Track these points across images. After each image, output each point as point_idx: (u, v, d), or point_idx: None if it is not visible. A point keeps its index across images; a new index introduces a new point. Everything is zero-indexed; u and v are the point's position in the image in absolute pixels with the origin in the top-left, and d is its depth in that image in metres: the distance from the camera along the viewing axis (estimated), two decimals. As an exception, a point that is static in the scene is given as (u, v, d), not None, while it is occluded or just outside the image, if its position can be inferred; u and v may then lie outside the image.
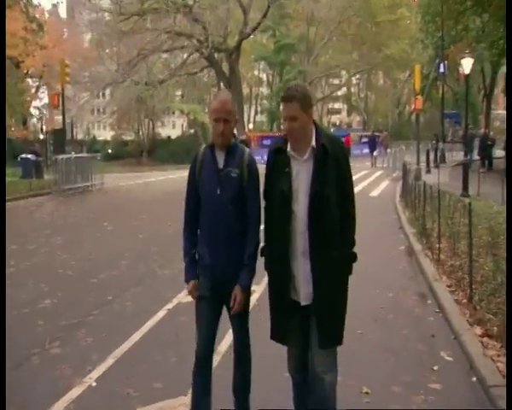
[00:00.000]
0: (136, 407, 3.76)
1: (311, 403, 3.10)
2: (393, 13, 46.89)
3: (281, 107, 3.16)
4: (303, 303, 2.98)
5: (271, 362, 3.92)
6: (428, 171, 23.28)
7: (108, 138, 63.62)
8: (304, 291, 2.97)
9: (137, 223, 12.03)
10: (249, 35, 39.76)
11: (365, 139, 45.56)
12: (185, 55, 44.45)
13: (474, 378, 4.19)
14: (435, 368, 4.42)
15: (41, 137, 52.48)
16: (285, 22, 48.31)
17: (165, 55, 44.08)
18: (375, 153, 32.52)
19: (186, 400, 3.65)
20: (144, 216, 13.17)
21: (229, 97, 3.33)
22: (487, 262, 6.79)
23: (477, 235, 7.96)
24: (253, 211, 3.20)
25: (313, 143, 2.96)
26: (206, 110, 54.40)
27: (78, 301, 6.34)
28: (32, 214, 14.37)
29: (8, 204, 16.01)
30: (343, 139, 34.66)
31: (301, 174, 2.96)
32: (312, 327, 2.99)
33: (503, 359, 4.26)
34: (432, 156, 27.14)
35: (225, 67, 41.54)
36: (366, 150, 42.87)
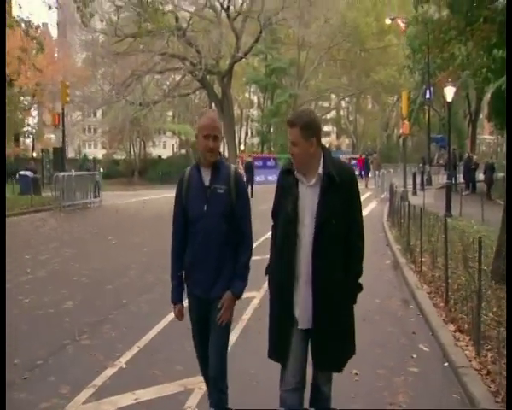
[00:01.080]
0: (163, 383, 4.47)
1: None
2: (381, 40, 48.36)
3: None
4: (301, 327, 2.99)
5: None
6: (415, 193, 24.18)
7: (99, 157, 64.14)
8: (304, 315, 2.98)
9: (140, 238, 12.70)
10: (241, 58, 40.73)
11: (354, 162, 46.72)
12: (178, 77, 45.52)
13: (446, 363, 4.96)
14: (414, 356, 5.19)
15: (34, 154, 53.05)
16: (276, 46, 49.48)
17: (157, 76, 44.90)
18: (370, 174, 33.68)
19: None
20: (146, 232, 13.86)
21: (216, 115, 3.51)
22: (463, 273, 7.58)
23: (457, 250, 8.80)
24: (243, 224, 3.28)
25: (320, 170, 2.96)
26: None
27: (96, 304, 7.04)
28: (38, 229, 15.00)
29: (12, 218, 16.72)
30: (354, 162, 35.69)
31: (307, 199, 2.96)
32: (313, 350, 3.03)
33: (471, 348, 5.03)
34: (418, 179, 28.07)
35: (217, 88, 42.49)
36: (355, 172, 43.92)
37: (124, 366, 4.86)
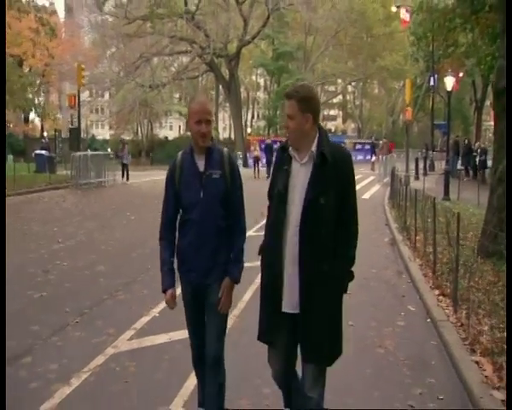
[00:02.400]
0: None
1: None
2: (388, 25, 48.78)
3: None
4: (286, 310, 2.89)
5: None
6: (417, 178, 24.94)
7: (107, 138, 64.88)
8: (290, 299, 2.88)
9: (155, 213, 13.56)
10: (249, 42, 41.25)
11: (359, 146, 47.46)
12: (185, 59, 46.18)
13: (429, 320, 5.86)
14: (402, 314, 6.11)
15: (45, 134, 53.91)
16: (283, 31, 49.92)
17: (165, 58, 45.47)
18: (373, 158, 34.39)
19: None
20: (160, 208, 14.72)
21: (206, 99, 3.52)
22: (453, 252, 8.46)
23: (450, 230, 9.67)
24: (238, 208, 3.26)
25: (313, 148, 2.90)
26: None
27: (125, 268, 7.98)
28: (59, 204, 15.94)
29: (33, 195, 17.74)
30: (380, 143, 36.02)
31: (298, 176, 2.90)
32: (300, 341, 2.94)
33: (451, 308, 5.92)
34: (422, 164, 28.80)
35: (224, 71, 43.12)
36: (360, 156, 44.75)
37: (157, 314, 5.78)
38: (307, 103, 2.89)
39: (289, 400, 3.14)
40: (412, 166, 26.53)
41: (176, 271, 3.30)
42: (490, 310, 5.58)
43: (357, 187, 22.68)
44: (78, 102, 24.01)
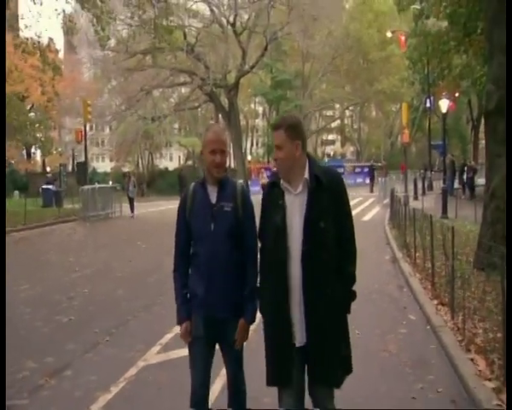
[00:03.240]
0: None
1: None
2: (384, 49, 49.92)
3: None
4: (298, 344, 2.89)
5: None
6: (416, 198, 25.51)
7: (108, 170, 65.60)
8: (301, 332, 2.88)
9: (166, 242, 14.14)
10: (248, 72, 42.22)
11: (359, 170, 48.19)
12: (185, 90, 47.17)
13: (428, 326, 6.37)
14: (404, 322, 6.62)
15: (48, 168, 54.73)
16: (281, 59, 51.06)
17: (165, 90, 46.39)
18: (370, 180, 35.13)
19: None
20: (170, 237, 15.29)
21: (221, 129, 3.51)
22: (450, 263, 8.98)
23: (447, 245, 10.18)
24: (251, 243, 3.19)
25: (306, 175, 2.90)
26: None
27: (143, 292, 8.52)
28: (71, 236, 16.54)
29: (44, 228, 18.35)
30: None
31: (295, 208, 2.88)
32: (309, 366, 2.94)
33: (449, 315, 6.42)
34: (420, 185, 29.41)
35: (223, 100, 44.03)
36: (359, 179, 45.46)
37: (179, 331, 6.27)
38: (295, 131, 2.91)
39: None
40: (411, 186, 27.11)
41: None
42: (484, 315, 6.09)
43: (358, 209, 23.33)
44: (85, 136, 24.78)
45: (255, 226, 3.22)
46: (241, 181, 3.45)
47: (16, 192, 33.25)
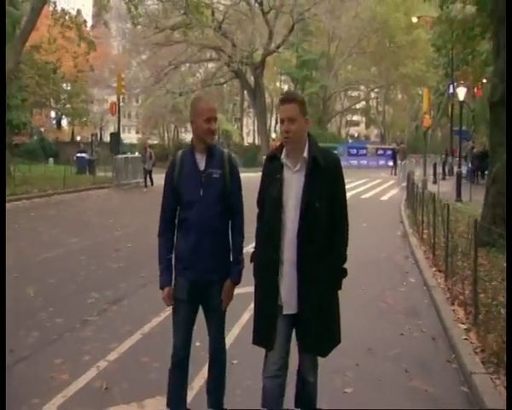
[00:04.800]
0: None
1: (297, 404, 3.27)
2: (410, 33, 50.06)
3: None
4: (286, 312, 3.01)
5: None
6: (435, 182, 26.26)
7: (134, 141, 66.82)
8: (289, 300, 3.00)
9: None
10: (274, 51, 42.95)
11: (381, 152, 48.78)
12: (211, 66, 48.16)
13: (425, 287, 7.44)
14: (404, 283, 7.71)
15: (78, 138, 56.34)
16: (307, 39, 51.51)
17: (191, 65, 47.34)
18: (392, 162, 35.69)
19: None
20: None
21: (212, 97, 4.44)
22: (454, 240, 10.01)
23: (456, 226, 11.17)
24: (237, 208, 3.32)
25: (305, 154, 2.99)
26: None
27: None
28: (107, 201, 17.92)
29: (80, 193, 19.68)
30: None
31: (292, 184, 2.99)
32: (298, 336, 3.08)
33: (443, 279, 7.47)
34: (440, 169, 30.06)
35: (249, 78, 44.86)
36: (382, 162, 46.15)
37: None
38: (305, 107, 3.04)
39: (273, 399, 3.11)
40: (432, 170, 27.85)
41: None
42: (473, 281, 7.13)
43: (377, 190, 24.27)
44: (119, 109, 26.01)
45: (241, 193, 3.36)
46: (226, 151, 3.42)
47: (51, 159, 34.88)
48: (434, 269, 8.24)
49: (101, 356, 4.67)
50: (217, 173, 3.23)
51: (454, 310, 6.04)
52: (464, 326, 5.43)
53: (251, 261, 3.19)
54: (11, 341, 4.99)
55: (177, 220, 3.33)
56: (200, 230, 3.18)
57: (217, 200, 3.21)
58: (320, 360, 3.21)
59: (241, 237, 3.33)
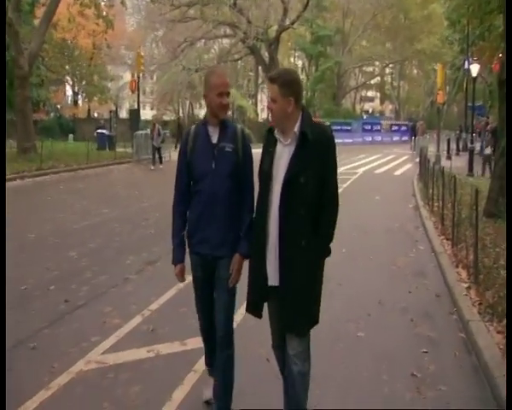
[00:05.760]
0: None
1: (285, 404, 3.17)
2: (425, 8, 49.75)
3: None
4: (271, 283, 3.01)
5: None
6: (449, 157, 26.60)
7: (149, 118, 67.12)
8: (273, 272, 3.00)
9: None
10: (288, 27, 43.00)
11: (395, 127, 48.94)
12: (225, 42, 48.31)
13: (432, 253, 8.04)
14: (414, 250, 8.31)
15: (95, 115, 57.07)
16: (322, 14, 51.37)
17: (206, 42, 47.53)
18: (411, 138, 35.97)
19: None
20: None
21: (225, 71, 3.57)
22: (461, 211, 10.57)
23: (465, 198, 11.71)
24: (247, 184, 3.29)
25: (296, 129, 2.97)
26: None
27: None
28: (130, 175, 18.72)
29: (103, 168, 20.46)
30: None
31: (282, 157, 2.98)
32: (278, 310, 3.06)
33: (450, 246, 8.05)
34: (455, 145, 30.33)
35: (264, 54, 45.02)
36: (396, 138, 46.37)
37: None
38: (289, 87, 2.96)
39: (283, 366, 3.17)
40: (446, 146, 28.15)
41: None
42: (475, 244, 7.70)
43: (391, 165, 24.71)
44: (138, 86, 26.58)
45: (252, 169, 3.34)
46: (239, 126, 3.46)
47: (71, 136, 35.61)
48: (442, 237, 8.81)
49: (144, 306, 5.36)
50: (229, 147, 3.22)
51: (458, 272, 6.64)
52: (466, 285, 6.04)
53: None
54: (64, 293, 5.74)
55: None
56: (211, 202, 3.18)
57: (229, 173, 3.20)
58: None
59: (251, 212, 3.26)
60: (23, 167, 17.47)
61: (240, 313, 4.43)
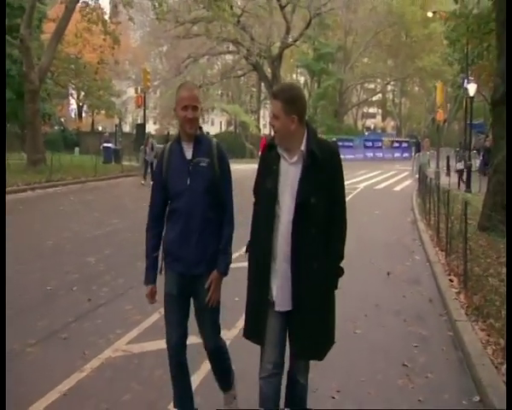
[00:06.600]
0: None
1: (287, 404, 3.15)
2: (426, 27, 50.62)
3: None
4: (279, 309, 2.90)
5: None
6: (448, 174, 27.10)
7: (152, 132, 67.75)
8: (282, 297, 2.88)
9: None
10: (291, 45, 43.85)
11: (397, 144, 49.60)
12: (228, 58, 49.24)
13: (427, 263, 8.54)
14: (410, 260, 8.82)
15: (99, 128, 57.81)
16: (324, 32, 52.28)
17: (209, 58, 48.46)
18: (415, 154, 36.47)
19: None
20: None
21: (194, 86, 3.41)
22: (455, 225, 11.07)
23: (461, 213, 12.20)
24: (227, 198, 3.21)
25: (303, 147, 2.88)
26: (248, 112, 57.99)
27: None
28: (137, 188, 19.26)
29: (110, 181, 21.03)
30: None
31: (288, 176, 2.88)
32: (291, 336, 2.96)
33: (444, 256, 8.55)
34: (454, 162, 30.79)
35: (266, 70, 45.81)
36: (397, 154, 47.02)
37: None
38: (292, 105, 2.86)
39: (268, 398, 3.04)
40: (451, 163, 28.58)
41: (160, 261, 3.30)
42: (470, 258, 8.19)
43: (391, 181, 25.27)
44: (144, 102, 27.29)
45: (231, 182, 3.28)
46: (215, 139, 3.35)
47: (77, 149, 36.29)
48: (437, 249, 9.31)
49: (160, 305, 5.77)
50: (204, 162, 3.15)
51: (450, 279, 7.15)
52: (456, 290, 6.54)
53: (246, 251, 3.08)
54: (87, 293, 6.25)
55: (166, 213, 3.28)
56: (188, 220, 3.11)
57: (205, 189, 3.13)
58: (335, 311, 3.27)
59: (230, 228, 3.23)
60: (33, 179, 18.05)
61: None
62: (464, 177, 20.72)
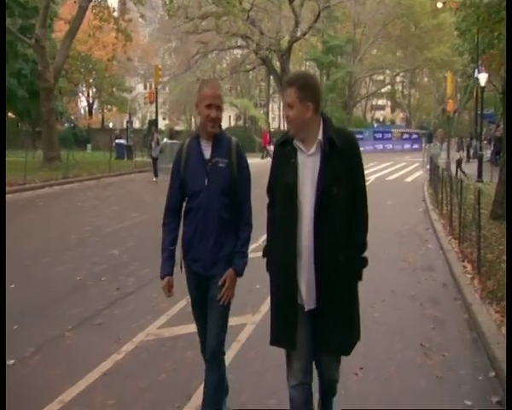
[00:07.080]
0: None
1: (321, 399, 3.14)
2: (435, 17, 50.39)
3: None
4: (307, 307, 2.80)
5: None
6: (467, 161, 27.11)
7: (162, 128, 68.29)
8: (309, 295, 2.79)
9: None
10: (300, 38, 43.89)
11: (406, 136, 49.57)
12: (237, 53, 49.41)
13: (441, 251, 8.73)
14: (423, 248, 9.02)
15: (110, 125, 58.24)
16: (333, 24, 52.21)
17: (219, 53, 48.66)
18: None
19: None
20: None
21: (218, 84, 3.36)
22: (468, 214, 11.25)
23: (473, 202, 12.37)
24: (244, 199, 3.18)
25: (320, 136, 2.79)
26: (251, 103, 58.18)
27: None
28: (151, 183, 19.56)
29: (123, 177, 21.39)
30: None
31: (307, 168, 2.78)
32: (318, 332, 2.84)
33: (457, 244, 8.74)
34: (465, 152, 30.86)
35: (275, 64, 45.91)
36: (407, 146, 47.01)
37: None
38: (307, 91, 2.77)
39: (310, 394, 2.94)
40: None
41: (180, 259, 3.28)
42: (484, 245, 8.38)
43: (402, 172, 25.38)
44: (156, 98, 27.60)
45: (250, 184, 3.23)
46: (234, 139, 3.27)
47: (89, 146, 36.73)
48: (450, 237, 9.51)
49: (186, 293, 6.06)
50: (223, 163, 3.11)
51: (463, 266, 7.35)
52: (470, 276, 6.75)
53: (263, 256, 2.96)
54: (115, 283, 6.53)
55: (183, 211, 3.27)
56: (204, 220, 3.09)
57: (222, 190, 3.09)
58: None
59: (248, 229, 3.20)
60: (50, 176, 18.43)
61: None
62: (463, 167, 20.87)
